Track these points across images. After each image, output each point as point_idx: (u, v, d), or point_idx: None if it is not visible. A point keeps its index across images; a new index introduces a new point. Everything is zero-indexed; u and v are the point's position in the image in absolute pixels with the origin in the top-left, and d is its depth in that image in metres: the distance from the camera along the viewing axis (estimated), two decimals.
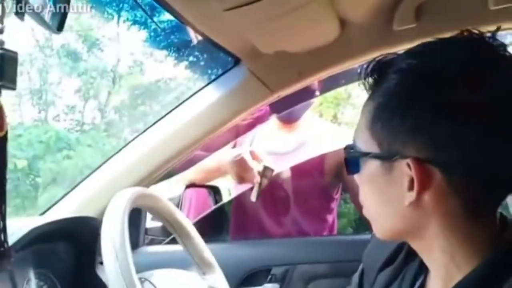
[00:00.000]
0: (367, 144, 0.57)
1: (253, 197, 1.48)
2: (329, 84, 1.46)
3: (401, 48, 1.11)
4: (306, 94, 1.45)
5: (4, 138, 0.53)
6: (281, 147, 1.64)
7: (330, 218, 1.64)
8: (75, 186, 1.26)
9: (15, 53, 0.55)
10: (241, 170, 1.48)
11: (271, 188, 1.53)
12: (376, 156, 0.56)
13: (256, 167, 1.47)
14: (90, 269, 1.10)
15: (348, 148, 0.61)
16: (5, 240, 0.55)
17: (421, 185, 0.53)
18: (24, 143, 7.57)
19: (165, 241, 1.43)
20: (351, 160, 0.60)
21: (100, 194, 1.22)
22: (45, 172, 7.51)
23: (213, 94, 1.23)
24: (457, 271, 0.55)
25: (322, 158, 1.58)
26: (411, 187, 0.54)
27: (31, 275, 1.00)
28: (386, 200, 0.57)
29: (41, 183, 7.59)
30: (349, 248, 1.38)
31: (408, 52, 0.57)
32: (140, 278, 0.80)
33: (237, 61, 1.19)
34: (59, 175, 7.50)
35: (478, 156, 0.52)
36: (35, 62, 9.07)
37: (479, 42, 0.55)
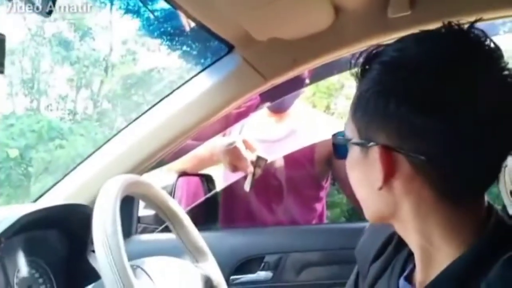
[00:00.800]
0: (351, 131, 0.61)
1: (246, 186, 1.47)
2: (319, 73, 1.45)
3: (395, 36, 1.11)
4: (296, 83, 1.44)
5: None
6: (271, 135, 1.64)
7: (319, 207, 1.64)
8: (67, 174, 1.25)
9: (2, 35, 0.54)
10: (234, 158, 1.47)
11: (261, 176, 1.52)
12: (356, 143, 0.60)
13: (250, 156, 1.46)
14: (82, 257, 1.10)
15: (336, 135, 0.65)
16: None
17: (386, 171, 0.55)
18: (16, 133, 7.52)
19: (158, 230, 1.43)
20: (338, 146, 0.65)
21: (92, 182, 1.21)
22: (37, 162, 7.48)
23: (206, 82, 1.22)
24: (437, 252, 0.57)
25: (312, 147, 1.58)
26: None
27: (22, 262, 0.99)
28: (366, 184, 0.60)
29: (34, 173, 7.56)
30: (342, 236, 1.39)
31: (393, 45, 0.59)
32: (132, 266, 0.79)
33: (230, 48, 1.18)
34: (51, 164, 7.47)
35: (446, 147, 0.53)
36: (27, 50, 8.98)
37: (460, 34, 0.56)
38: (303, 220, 1.60)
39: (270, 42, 1.10)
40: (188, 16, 1.03)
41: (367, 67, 0.59)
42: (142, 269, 0.83)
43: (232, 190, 1.59)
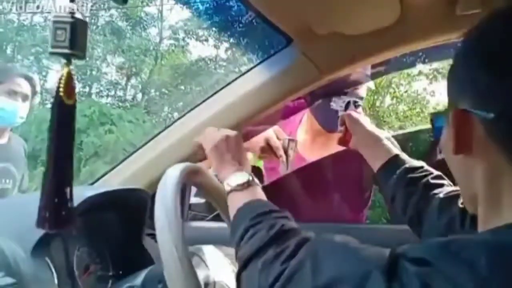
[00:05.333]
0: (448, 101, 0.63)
1: (283, 170, 1.49)
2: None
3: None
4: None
5: (73, 106, 0.54)
6: (318, 156, 1.61)
7: (364, 207, 1.61)
8: (124, 159, 1.29)
9: (85, 21, 0.56)
10: (265, 148, 1.45)
11: (308, 172, 1.51)
12: (442, 113, 0.65)
13: (279, 143, 1.46)
14: (137, 240, 1.13)
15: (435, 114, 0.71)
16: (72, 206, 0.56)
17: (459, 133, 0.57)
18: None
19: (207, 218, 1.45)
20: (436, 126, 0.71)
21: (148, 168, 1.24)
22: (87, 145, 7.77)
23: (263, 74, 1.22)
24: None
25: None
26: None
27: (82, 242, 1.03)
28: (449, 153, 0.61)
29: (83, 156, 7.86)
30: (380, 237, 1.36)
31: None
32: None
33: (288, 42, 1.18)
34: (100, 148, 7.74)
35: None
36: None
37: None
38: (347, 219, 1.57)
39: (330, 36, 1.08)
40: (250, 6, 1.03)
41: None
42: (199, 256, 0.85)
43: (278, 186, 1.59)
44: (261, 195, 0.82)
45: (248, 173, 0.85)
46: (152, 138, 1.28)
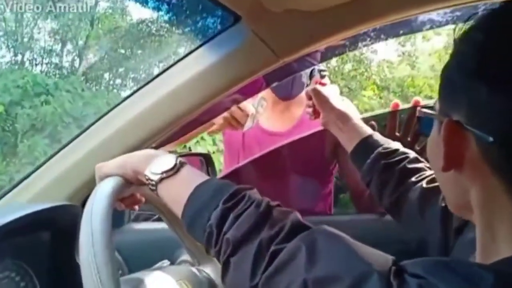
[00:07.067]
0: (437, 106, 0.57)
1: (247, 126, 1.40)
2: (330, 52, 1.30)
3: (424, 11, 0.96)
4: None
5: None
6: (279, 126, 1.54)
7: (327, 194, 1.54)
8: (32, 172, 1.07)
9: None
10: (234, 112, 1.38)
11: (267, 161, 1.42)
12: (432, 115, 0.57)
13: (248, 104, 1.39)
14: (68, 256, 0.98)
15: (421, 108, 0.61)
16: None
17: (451, 148, 0.51)
18: (0, 88, 7.25)
19: (153, 218, 1.31)
20: (422, 119, 0.61)
21: (70, 176, 1.04)
22: (23, 118, 7.26)
23: (207, 57, 1.06)
24: (495, 253, 0.50)
25: (321, 133, 1.46)
26: None
27: (3, 267, 0.89)
28: (438, 165, 0.54)
29: (20, 129, 7.35)
30: (349, 229, 1.28)
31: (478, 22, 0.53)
32: None
33: (237, 19, 1.02)
34: (37, 121, 7.26)
35: None
36: (9, 1, 8.53)
37: None
38: (311, 208, 1.49)
39: (285, 14, 0.94)
40: None
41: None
42: None
43: (237, 176, 1.48)
44: (202, 174, 0.69)
45: (172, 155, 0.72)
46: (70, 142, 1.08)
